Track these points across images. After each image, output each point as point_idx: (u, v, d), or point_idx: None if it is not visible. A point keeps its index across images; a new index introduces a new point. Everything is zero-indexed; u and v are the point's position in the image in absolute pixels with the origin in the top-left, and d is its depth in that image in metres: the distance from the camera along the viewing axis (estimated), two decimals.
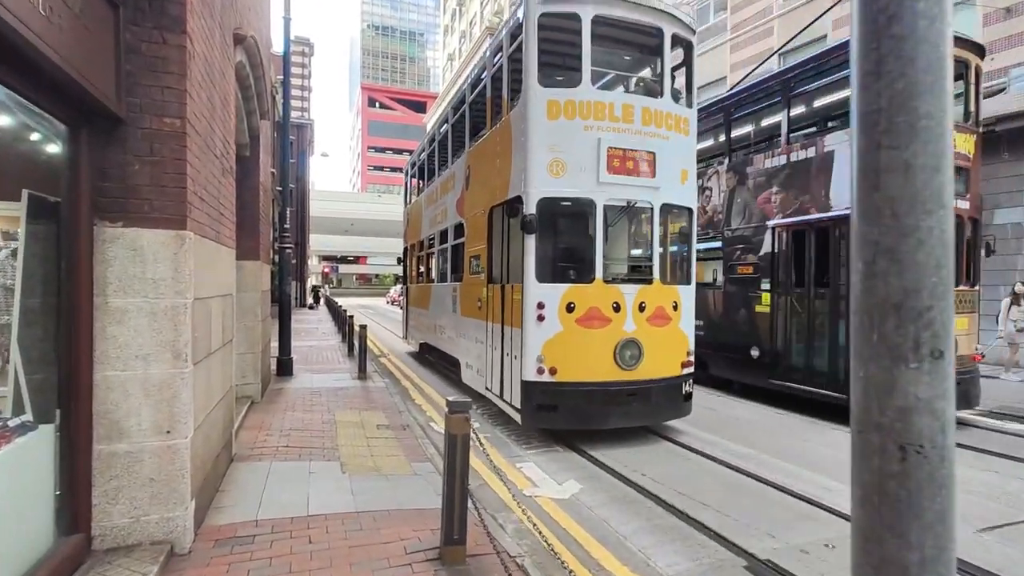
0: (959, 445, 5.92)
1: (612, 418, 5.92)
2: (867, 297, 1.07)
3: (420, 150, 12.48)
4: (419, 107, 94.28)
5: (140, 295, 3.16)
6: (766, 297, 8.39)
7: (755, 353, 8.46)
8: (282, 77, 9.97)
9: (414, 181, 13.27)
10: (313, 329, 19.52)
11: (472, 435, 3.25)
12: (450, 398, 3.29)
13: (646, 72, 7.64)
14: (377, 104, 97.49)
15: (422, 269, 12.04)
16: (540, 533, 3.32)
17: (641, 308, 6.05)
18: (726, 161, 9.30)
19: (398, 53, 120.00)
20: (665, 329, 6.21)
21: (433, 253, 10.60)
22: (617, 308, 5.95)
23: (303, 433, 5.88)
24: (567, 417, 5.86)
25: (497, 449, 5.81)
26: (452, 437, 3.17)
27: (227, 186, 4.74)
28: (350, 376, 9.54)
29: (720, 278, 9.33)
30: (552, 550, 2.88)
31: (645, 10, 6.24)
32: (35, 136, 3.00)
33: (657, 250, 6.33)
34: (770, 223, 8.35)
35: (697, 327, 8.31)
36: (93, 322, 3.10)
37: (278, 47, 9.65)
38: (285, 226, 9.76)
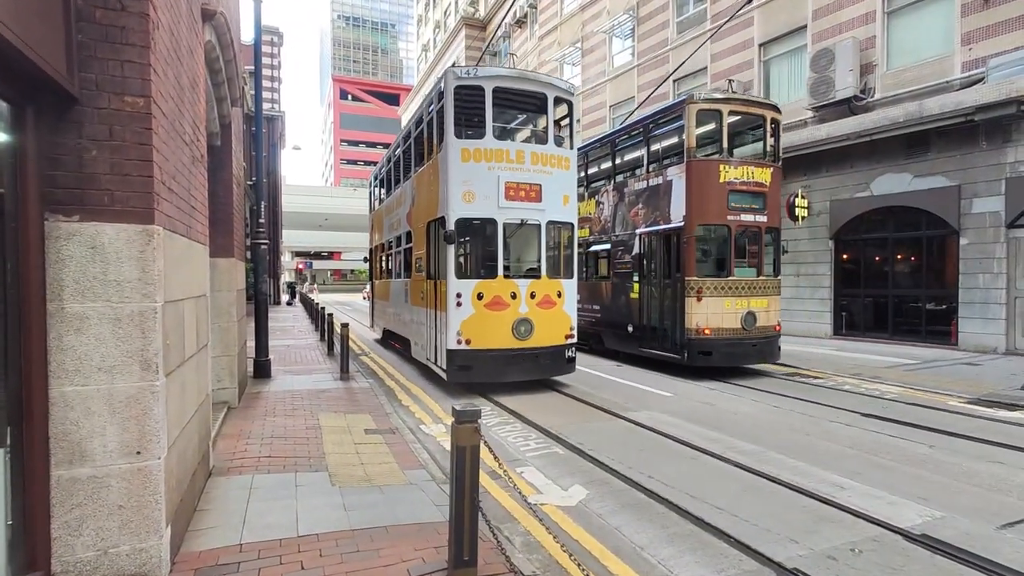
0: (961, 436, 5.91)
1: (510, 374, 8.14)
2: None
3: (381, 166, 14.66)
4: (392, 99, 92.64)
5: (102, 299, 2.81)
6: (636, 287, 10.94)
7: (630, 328, 11.02)
8: (252, 67, 9.48)
9: (378, 190, 15.29)
10: (289, 327, 18.90)
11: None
12: (456, 406, 2.99)
13: (538, 124, 10.15)
14: (349, 97, 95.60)
15: (383, 267, 14.05)
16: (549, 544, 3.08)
17: (532, 296, 8.26)
18: (611, 182, 12.07)
19: (370, 44, 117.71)
20: (551, 311, 8.42)
21: (391, 255, 12.65)
22: (514, 296, 8.16)
23: (286, 441, 5.53)
24: (479, 374, 8.04)
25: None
26: (460, 450, 2.90)
27: (198, 176, 4.33)
28: (332, 377, 9.19)
29: (609, 272, 11.94)
30: (577, 564, 2.63)
31: (532, 82, 8.54)
32: None
33: (544, 254, 8.43)
34: (638, 231, 10.90)
35: (594, 310, 12.23)
36: (47, 331, 2.72)
37: (246, 35, 9.17)
38: (260, 220, 9.29)
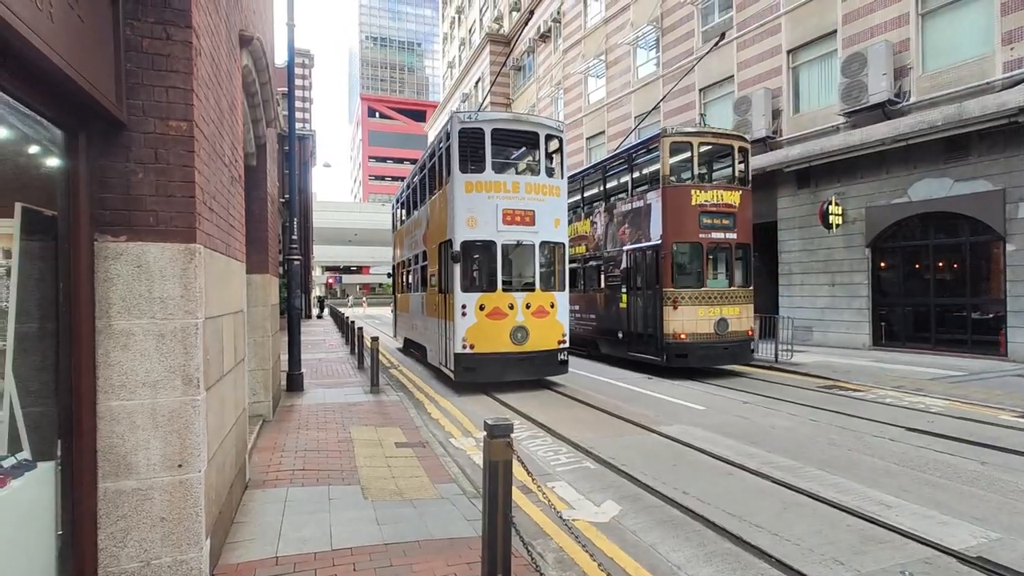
0: (1016, 452, 5.61)
1: (509, 374, 9.41)
2: None
3: (402, 191, 16.23)
4: (419, 116, 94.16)
5: (147, 316, 2.90)
6: (624, 297, 12.25)
7: (620, 335, 12.35)
8: (285, 88, 9.76)
9: (400, 211, 16.85)
10: (319, 341, 19.19)
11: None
12: (488, 420, 3.00)
13: (532, 157, 11.35)
14: (377, 114, 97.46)
15: (405, 282, 15.50)
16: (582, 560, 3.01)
17: (528, 306, 9.46)
18: (604, 205, 13.48)
19: (396, 63, 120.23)
20: (545, 319, 9.61)
21: (411, 271, 14.12)
22: (512, 307, 9.39)
23: (319, 454, 5.59)
24: (482, 374, 9.30)
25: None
26: (493, 465, 2.88)
27: (236, 195, 4.46)
28: (362, 390, 9.29)
29: (602, 284, 13.28)
30: None
31: (525, 123, 9.94)
32: (28, 143, 2.69)
33: (538, 270, 9.71)
34: (625, 247, 12.26)
35: (591, 319, 13.59)
36: (95, 347, 2.82)
37: (280, 58, 9.46)
38: (293, 237, 9.47)
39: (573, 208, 15.31)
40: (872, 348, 14.10)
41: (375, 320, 35.03)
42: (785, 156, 15.32)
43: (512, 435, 2.99)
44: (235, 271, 4.28)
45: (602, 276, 13.24)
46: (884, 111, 13.67)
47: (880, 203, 13.97)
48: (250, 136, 6.52)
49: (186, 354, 2.92)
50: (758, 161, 15.52)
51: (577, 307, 14.48)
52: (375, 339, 9.99)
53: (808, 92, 16.26)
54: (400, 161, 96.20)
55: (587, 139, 26.44)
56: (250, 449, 5.44)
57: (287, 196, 9.64)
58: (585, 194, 14.75)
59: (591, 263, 13.79)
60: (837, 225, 14.12)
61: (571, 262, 15.01)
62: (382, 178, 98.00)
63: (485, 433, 2.98)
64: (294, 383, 9.16)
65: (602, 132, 25.11)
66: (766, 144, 16.16)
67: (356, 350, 13.21)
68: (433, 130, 59.01)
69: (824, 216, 14.02)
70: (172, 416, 2.91)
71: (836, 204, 13.97)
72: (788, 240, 16.15)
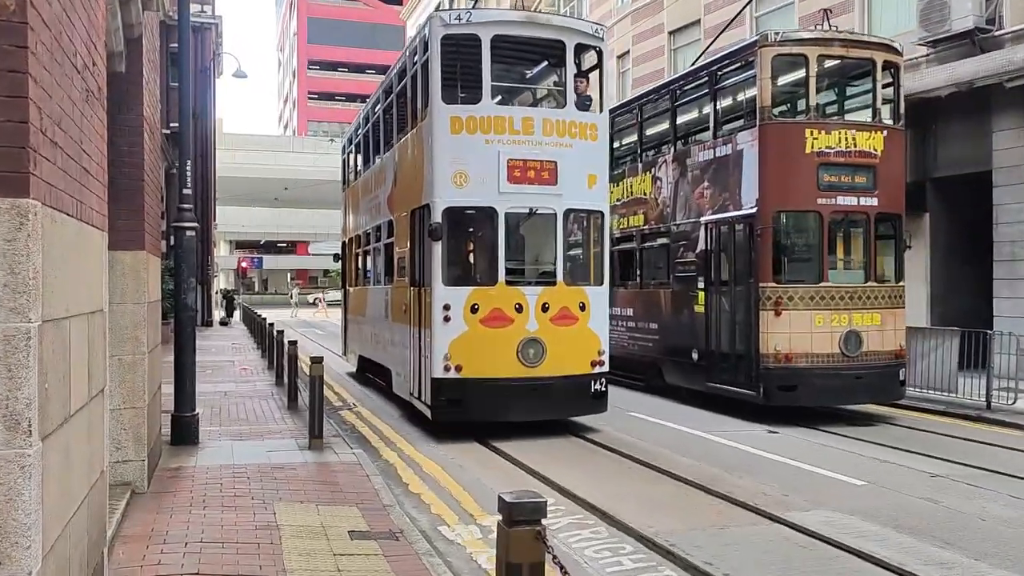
0: None
1: (515, 411, 9.28)
2: None
3: (356, 127, 16.07)
4: None
5: None
6: (701, 296, 12.90)
7: (695, 356, 12.78)
8: None
9: (353, 158, 16.60)
10: (224, 362, 18.25)
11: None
12: (504, 494, 2.72)
13: (554, 82, 11.37)
14: None
15: (359, 269, 15.40)
16: None
17: (544, 308, 9.41)
18: (672, 150, 13.85)
19: None
20: (571, 329, 9.54)
21: (369, 252, 14.06)
22: (520, 309, 9.33)
23: (224, 551, 5.28)
24: (472, 410, 9.12)
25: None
26: (514, 569, 2.72)
27: (94, 121, 3.99)
28: (296, 443, 8.90)
29: (669, 276, 13.82)
30: None
31: (544, 27, 9.82)
32: None
33: (561, 253, 9.52)
34: (703, 219, 13.03)
35: (651, 331, 13.89)
36: None
37: None
38: (186, 190, 8.65)
39: (625, 155, 14.82)
40: None
41: (318, 331, 35.27)
42: (1007, 61, 13.92)
43: (544, 521, 2.74)
44: (91, 245, 3.88)
45: (669, 264, 12.99)
46: (974, 41, 14.38)
47: None
48: (116, 24, 6.25)
49: (10, 379, 2.77)
50: (959, 70, 14.11)
51: (631, 311, 14.08)
52: (317, 360, 9.41)
53: (880, 14, 17.06)
54: (360, 70, 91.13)
55: (670, 33, 24.21)
56: (111, 538, 5.01)
57: (175, 125, 9.67)
58: (645, 133, 14.32)
59: (653, 242, 13.64)
60: None
61: (621, 241, 14.44)
62: (330, 97, 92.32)
63: (499, 517, 2.74)
64: (184, 431, 8.53)
65: (696, 22, 23.32)
66: (974, 42, 14.70)
67: (286, 377, 12.62)
68: (415, 21, 57.27)
69: None
70: None
71: None
72: (1011, 203, 14.60)
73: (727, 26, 15.94)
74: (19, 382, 2.84)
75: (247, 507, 6.43)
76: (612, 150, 14.31)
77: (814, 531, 6.17)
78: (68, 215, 3.42)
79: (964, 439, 9.92)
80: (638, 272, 14.02)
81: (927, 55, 15.69)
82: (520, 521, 2.70)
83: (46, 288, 3.01)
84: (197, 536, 5.62)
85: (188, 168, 8.62)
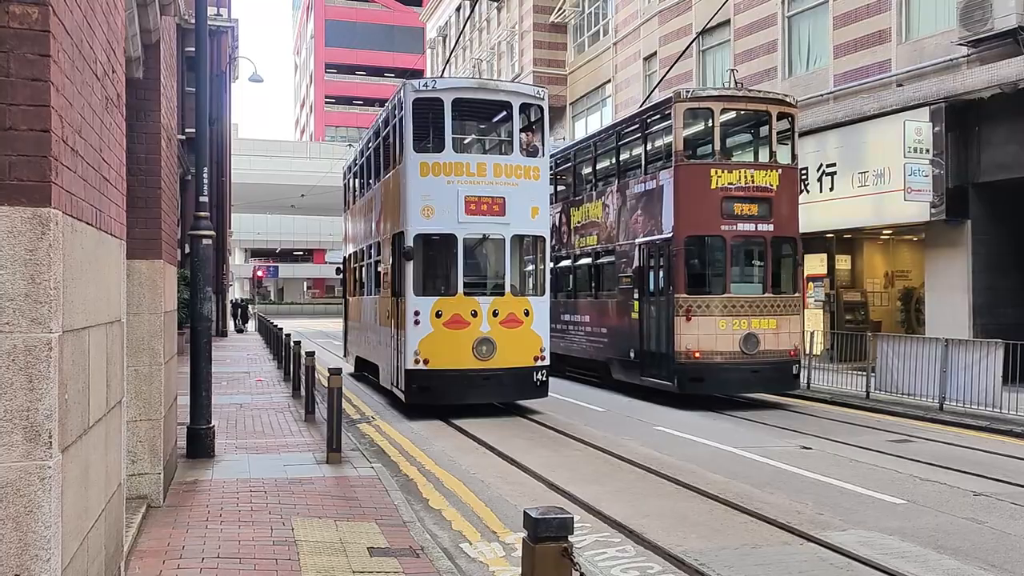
0: None
1: (471, 395, 12.18)
2: None
3: (355, 158, 19.46)
4: None
5: None
6: (636, 305, 15.60)
7: (632, 355, 15.62)
8: None
9: (354, 183, 19.59)
10: (240, 373, 18.35)
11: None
12: (529, 509, 2.75)
13: (502, 135, 14.07)
14: None
15: (357, 281, 18.43)
16: None
17: (495, 314, 12.12)
18: (616, 183, 16.67)
19: None
20: (517, 330, 12.28)
21: (364, 266, 17.09)
22: (475, 314, 12.05)
23: (241, 566, 5.38)
24: (438, 395, 12.09)
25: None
26: None
27: (113, 129, 4.06)
28: (313, 457, 9.01)
29: (616, 288, 16.62)
30: None
31: (494, 91, 13.09)
32: None
33: (509, 270, 12.24)
34: (637, 240, 15.62)
35: (601, 335, 16.83)
36: None
37: None
38: (202, 198, 8.78)
39: (584, 184, 17.64)
40: None
41: (335, 340, 35.40)
42: None
43: (571, 538, 2.77)
44: (110, 254, 3.93)
45: (615, 277, 15.54)
46: (1017, 40, 14.33)
47: None
48: (134, 30, 6.03)
49: (31, 390, 2.81)
50: (1003, 71, 14.01)
51: (587, 318, 16.90)
52: (335, 372, 9.39)
53: (918, 11, 17.09)
54: (378, 73, 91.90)
55: (699, 34, 26.64)
56: (127, 553, 5.07)
57: (190, 131, 9.75)
58: (598, 166, 17.05)
59: (604, 259, 16.14)
60: None
61: (580, 257, 17.61)
62: (348, 101, 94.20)
63: (526, 533, 2.75)
64: (199, 444, 8.59)
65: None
66: (1017, 41, 14.47)
67: (303, 389, 12.46)
68: (435, 23, 51.64)
69: None
70: (5, 494, 2.73)
71: None
72: None
73: (676, 60, 19.38)
74: (40, 393, 2.87)
75: (264, 522, 6.49)
76: (575, 178, 18.60)
77: (851, 552, 6.20)
78: (88, 224, 3.47)
79: (1009, 456, 9.79)
80: (593, 284, 16.88)
81: (967, 55, 15.70)
82: (545, 537, 2.72)
83: (66, 298, 3.06)
84: (214, 551, 5.67)
85: (205, 175, 8.65)
